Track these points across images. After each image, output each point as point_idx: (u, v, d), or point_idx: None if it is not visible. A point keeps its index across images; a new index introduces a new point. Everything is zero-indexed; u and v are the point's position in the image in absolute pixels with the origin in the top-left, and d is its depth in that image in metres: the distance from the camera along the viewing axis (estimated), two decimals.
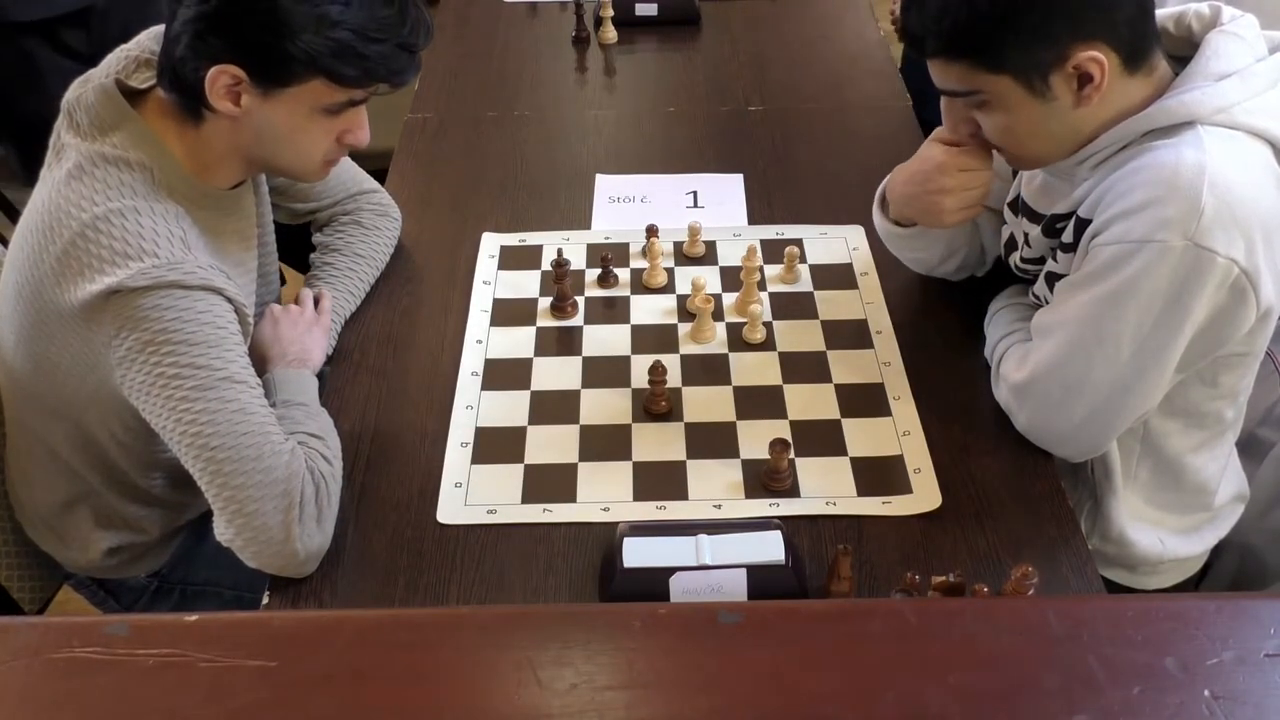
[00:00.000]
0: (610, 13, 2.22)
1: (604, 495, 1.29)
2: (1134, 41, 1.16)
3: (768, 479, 1.29)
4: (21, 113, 1.34)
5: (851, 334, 1.50)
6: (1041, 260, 1.35)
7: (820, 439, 1.35)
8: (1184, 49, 1.22)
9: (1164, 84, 1.20)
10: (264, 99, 1.18)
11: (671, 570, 1.14)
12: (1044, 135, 1.22)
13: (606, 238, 1.69)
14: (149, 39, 1.28)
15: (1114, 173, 1.18)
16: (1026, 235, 1.36)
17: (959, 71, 1.19)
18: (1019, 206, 1.38)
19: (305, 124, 1.22)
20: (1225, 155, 1.13)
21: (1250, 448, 1.55)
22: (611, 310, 1.56)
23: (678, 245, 1.66)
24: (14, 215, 1.94)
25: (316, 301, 1.48)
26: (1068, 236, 1.26)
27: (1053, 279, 1.30)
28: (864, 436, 1.35)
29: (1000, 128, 1.23)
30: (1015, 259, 1.41)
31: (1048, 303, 1.31)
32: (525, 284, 1.60)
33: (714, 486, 1.29)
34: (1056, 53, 1.14)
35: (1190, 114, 1.15)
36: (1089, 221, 1.20)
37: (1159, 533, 1.38)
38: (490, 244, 1.68)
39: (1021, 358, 1.30)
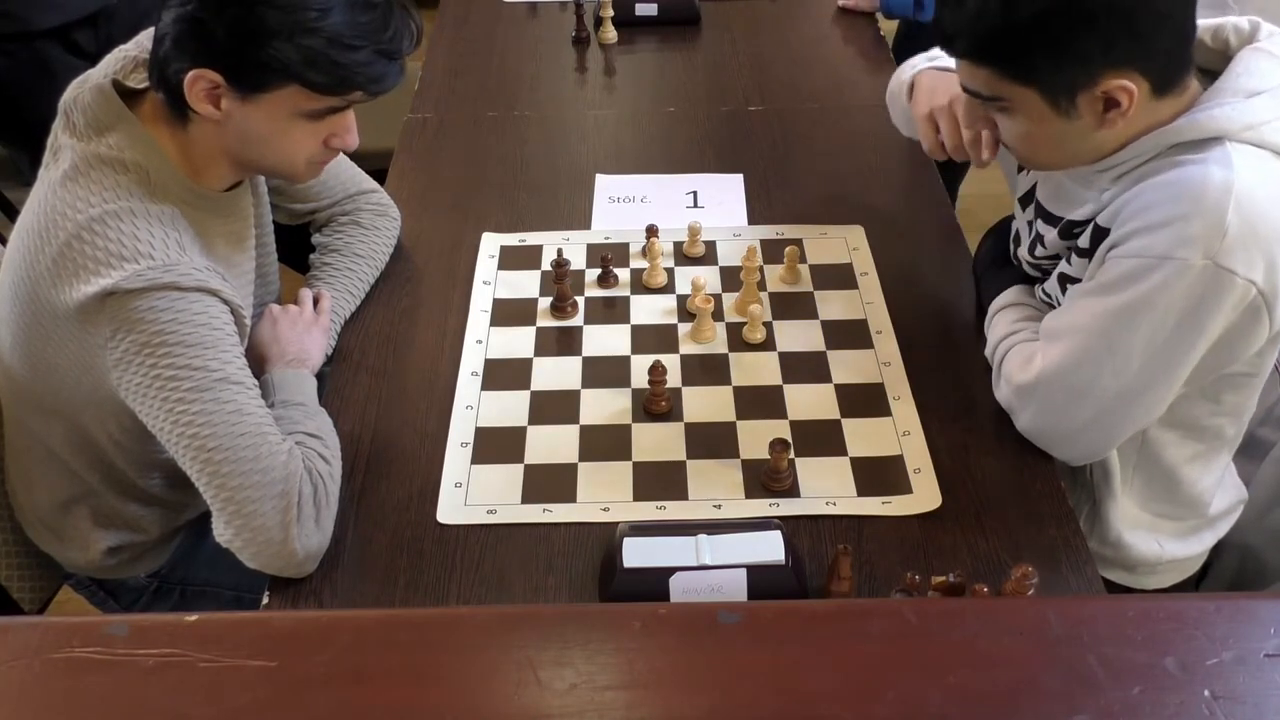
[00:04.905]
0: (610, 13, 2.22)
1: (604, 495, 1.29)
2: (1167, 71, 1.14)
3: (768, 479, 1.29)
4: (36, 115, 1.34)
5: (851, 334, 1.50)
6: (1057, 258, 1.33)
7: (820, 439, 1.35)
8: (1217, 62, 1.20)
9: (1193, 99, 1.18)
10: (243, 103, 1.17)
11: (671, 570, 1.14)
12: (1062, 148, 1.21)
13: (606, 238, 1.69)
14: (147, 39, 1.26)
15: (1137, 184, 1.17)
16: (1042, 237, 1.34)
17: (985, 76, 1.17)
18: (1035, 206, 1.37)
19: (287, 128, 1.21)
20: (1254, 174, 1.11)
21: (1250, 448, 1.55)
22: (611, 310, 1.56)
23: (678, 245, 1.66)
24: (14, 215, 1.93)
25: (316, 301, 1.48)
26: (1084, 242, 1.25)
27: (1065, 280, 1.29)
28: (864, 436, 1.35)
29: (1019, 134, 1.22)
30: (1023, 253, 1.40)
31: (1059, 303, 1.30)
32: (525, 284, 1.60)
33: (714, 486, 1.29)
34: (1088, 75, 1.12)
35: (1219, 129, 1.13)
36: (1108, 230, 1.19)
37: (1156, 536, 1.38)
38: (490, 244, 1.68)
39: (1027, 359, 1.29)
